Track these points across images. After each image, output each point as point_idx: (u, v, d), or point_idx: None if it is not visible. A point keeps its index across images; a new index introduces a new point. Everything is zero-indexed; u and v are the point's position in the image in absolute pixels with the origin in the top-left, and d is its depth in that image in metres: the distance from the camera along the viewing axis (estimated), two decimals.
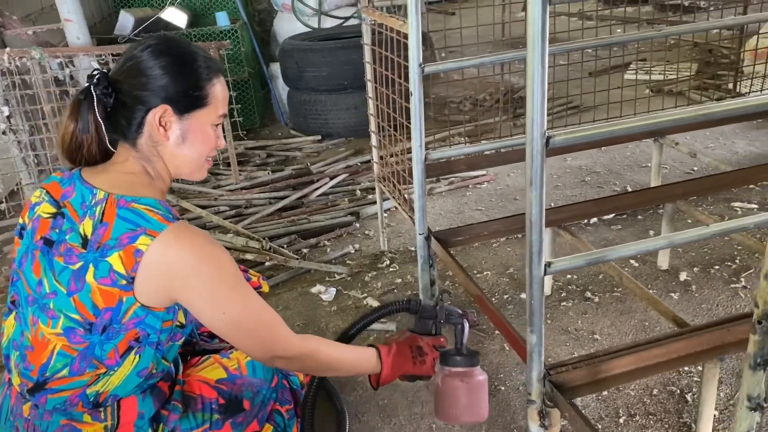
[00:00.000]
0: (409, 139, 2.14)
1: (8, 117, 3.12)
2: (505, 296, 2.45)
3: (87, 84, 1.26)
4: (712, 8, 5.58)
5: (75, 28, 3.29)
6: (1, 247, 3.07)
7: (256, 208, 3.26)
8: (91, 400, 1.26)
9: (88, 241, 1.19)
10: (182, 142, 1.29)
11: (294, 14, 4.77)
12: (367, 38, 2.48)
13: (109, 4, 5.02)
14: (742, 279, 2.40)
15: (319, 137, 4.26)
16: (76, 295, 1.19)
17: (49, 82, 3.11)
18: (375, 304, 2.44)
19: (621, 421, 1.82)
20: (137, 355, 1.25)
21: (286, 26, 4.89)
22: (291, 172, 3.63)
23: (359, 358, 1.43)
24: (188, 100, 1.28)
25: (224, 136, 1.37)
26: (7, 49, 3.01)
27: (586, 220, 2.87)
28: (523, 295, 2.45)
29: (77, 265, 1.19)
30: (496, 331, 2.17)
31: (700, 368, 1.90)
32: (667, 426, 1.79)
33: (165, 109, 1.25)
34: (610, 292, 2.40)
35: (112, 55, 3.13)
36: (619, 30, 4.99)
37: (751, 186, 3.03)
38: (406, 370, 1.46)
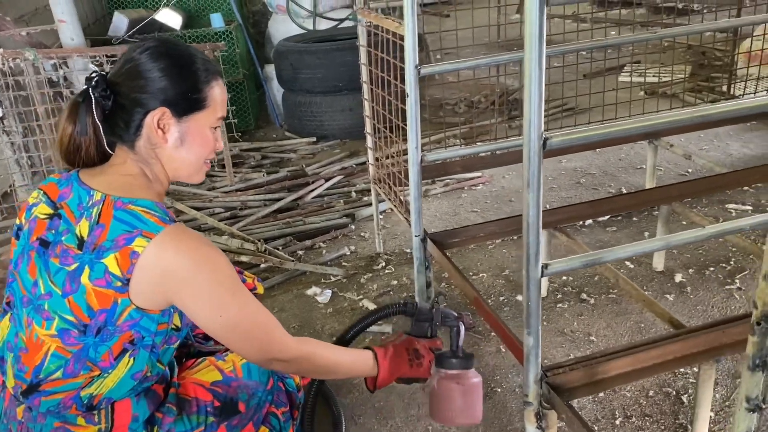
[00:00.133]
0: (404, 140, 2.14)
1: (1, 118, 3.10)
2: (501, 298, 2.45)
3: (85, 86, 1.26)
4: (705, 11, 5.60)
5: (69, 29, 3.27)
6: None
7: (251, 209, 3.25)
8: (85, 402, 1.25)
9: (84, 243, 1.19)
10: (180, 144, 1.28)
11: (289, 16, 4.76)
12: (362, 40, 2.47)
13: (103, 5, 5.00)
14: (737, 280, 2.41)
15: (314, 139, 4.25)
16: (71, 296, 1.18)
17: (42, 83, 3.09)
18: (371, 306, 2.43)
19: (617, 422, 1.82)
20: (132, 358, 1.24)
21: (281, 28, 4.88)
22: (286, 174, 3.62)
23: (356, 360, 1.43)
24: (187, 103, 1.27)
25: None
26: (1, 51, 3.00)
27: (581, 222, 2.87)
28: (519, 297, 2.45)
29: (73, 267, 1.18)
30: (492, 333, 2.17)
31: (695, 369, 1.91)
32: (663, 427, 1.79)
33: (163, 111, 1.25)
34: (605, 294, 2.41)
35: (107, 56, 3.12)
36: (613, 32, 5.01)
37: (746, 188, 3.04)
38: (402, 372, 1.46)
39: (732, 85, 3.56)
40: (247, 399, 1.43)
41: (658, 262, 2.52)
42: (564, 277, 2.51)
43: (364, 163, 3.66)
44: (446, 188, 3.39)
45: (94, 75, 1.26)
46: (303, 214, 3.18)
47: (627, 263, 2.56)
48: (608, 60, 4.16)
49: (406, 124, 2.08)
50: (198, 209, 3.20)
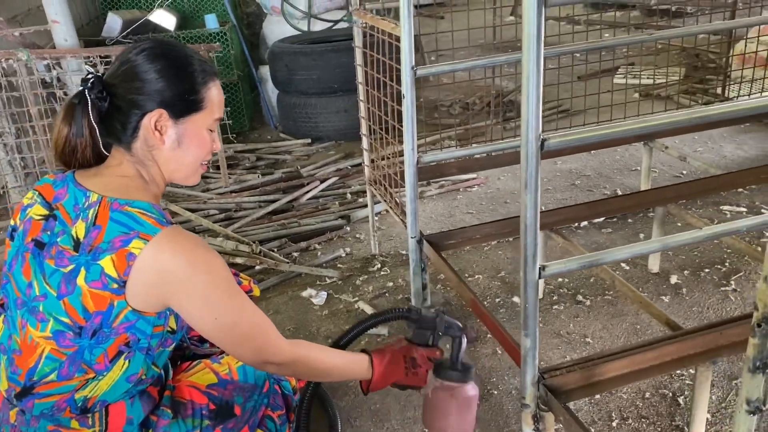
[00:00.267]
0: (400, 142, 2.13)
1: None
2: (497, 299, 2.45)
3: (81, 87, 1.25)
4: (699, 14, 5.63)
5: (62, 30, 3.25)
6: None
7: (245, 211, 3.24)
8: (79, 405, 1.24)
9: (80, 244, 1.18)
10: (178, 146, 1.28)
11: (283, 17, 4.76)
12: (358, 41, 2.47)
13: (96, 5, 4.98)
14: (732, 282, 2.41)
15: (309, 140, 4.24)
16: (67, 298, 1.17)
17: (36, 84, 3.07)
18: (366, 308, 2.43)
19: (614, 424, 1.82)
20: (127, 360, 1.23)
21: (276, 29, 4.87)
22: (281, 176, 3.61)
23: (351, 363, 1.41)
24: (184, 104, 1.26)
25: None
26: None
27: (576, 224, 2.87)
28: (515, 299, 2.44)
29: (68, 268, 1.17)
30: (489, 335, 2.16)
31: (691, 371, 1.91)
32: (659, 429, 1.79)
33: (161, 113, 1.24)
34: (601, 296, 2.41)
35: (101, 57, 3.10)
36: (607, 35, 5.02)
37: (740, 189, 3.05)
38: (397, 379, 1.44)
39: (726, 87, 3.57)
40: (243, 402, 1.42)
41: (654, 264, 2.52)
42: (560, 279, 2.51)
43: (359, 164, 3.65)
44: (441, 190, 3.38)
45: (89, 76, 1.25)
46: (298, 216, 3.16)
47: (622, 265, 2.56)
48: (602, 62, 4.18)
49: (401, 126, 2.08)
50: (192, 211, 3.19)
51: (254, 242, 2.82)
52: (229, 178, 3.58)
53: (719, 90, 4.12)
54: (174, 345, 1.33)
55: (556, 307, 2.36)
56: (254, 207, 3.28)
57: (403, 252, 2.81)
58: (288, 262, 2.73)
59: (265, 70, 4.70)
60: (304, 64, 4.10)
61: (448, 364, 1.45)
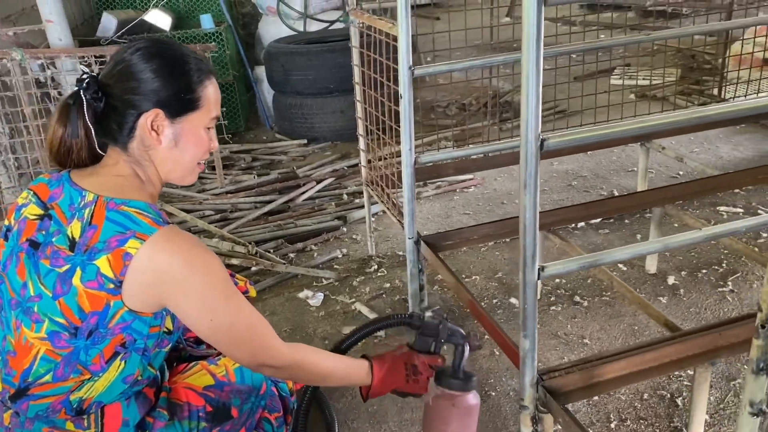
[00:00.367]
0: (397, 142, 2.12)
1: None
2: (494, 300, 2.44)
3: (76, 88, 1.23)
4: (693, 15, 5.64)
5: (56, 30, 3.23)
6: None
7: (241, 212, 3.23)
8: (74, 406, 1.22)
9: (75, 244, 1.16)
10: (175, 146, 1.26)
11: (279, 17, 4.74)
12: (355, 41, 2.46)
13: (91, 5, 4.95)
14: (729, 283, 2.41)
15: (305, 141, 4.23)
16: (62, 298, 1.16)
17: (30, 83, 3.05)
18: (364, 309, 2.41)
19: (612, 426, 1.81)
20: (123, 361, 1.21)
21: (271, 29, 4.86)
22: (277, 176, 3.59)
23: (350, 369, 1.39)
24: (180, 104, 1.25)
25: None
26: None
27: (573, 225, 2.87)
28: (512, 300, 2.44)
29: (64, 268, 1.16)
30: (486, 336, 2.16)
31: (690, 372, 1.91)
32: (658, 430, 1.79)
33: (157, 113, 1.23)
34: (598, 296, 2.40)
35: (95, 57, 3.08)
36: (603, 36, 5.02)
37: (737, 190, 3.06)
38: (397, 386, 1.42)
39: (723, 89, 3.58)
40: (240, 404, 1.40)
41: (651, 265, 2.52)
42: (557, 280, 2.51)
43: (356, 165, 3.65)
44: (438, 190, 3.38)
45: (85, 76, 1.24)
46: (294, 217, 3.15)
47: (620, 266, 2.56)
48: (598, 63, 4.18)
49: (399, 126, 2.07)
50: (188, 212, 3.17)
51: (250, 243, 2.81)
52: (224, 179, 3.56)
53: (715, 91, 4.13)
54: (170, 346, 1.32)
55: (553, 308, 2.35)
56: (250, 208, 3.27)
57: (400, 253, 2.80)
58: (284, 263, 2.72)
59: (260, 71, 4.69)
60: (300, 65, 4.09)
61: (450, 372, 1.43)
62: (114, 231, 1.15)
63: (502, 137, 3.42)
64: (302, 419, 1.51)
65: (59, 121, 1.24)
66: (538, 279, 1.36)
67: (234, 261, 2.67)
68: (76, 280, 1.15)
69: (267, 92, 4.67)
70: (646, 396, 1.90)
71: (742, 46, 3.28)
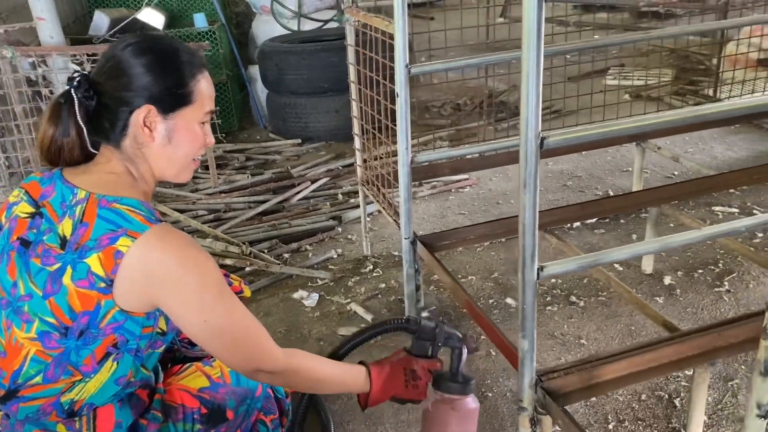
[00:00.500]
0: (393, 142, 2.11)
1: None
2: (491, 301, 2.43)
3: (67, 86, 1.21)
4: (687, 16, 5.65)
5: (48, 27, 3.19)
6: None
7: (235, 212, 3.20)
8: (65, 408, 1.20)
9: (66, 242, 1.14)
10: (168, 142, 1.24)
11: (273, 16, 4.72)
12: (350, 39, 2.44)
13: (83, 3, 4.91)
14: (726, 283, 2.41)
15: (299, 141, 4.21)
16: (52, 297, 1.13)
17: (20, 82, 3.02)
18: (359, 309, 2.39)
19: (610, 427, 1.80)
20: (115, 362, 1.19)
21: (265, 28, 4.83)
22: (271, 176, 3.57)
23: (347, 376, 1.37)
24: (173, 99, 1.23)
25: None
26: None
27: (568, 225, 2.86)
28: (509, 300, 2.42)
29: (54, 267, 1.14)
30: (483, 336, 2.14)
31: (687, 373, 1.90)
32: (656, 431, 1.78)
33: (149, 109, 1.20)
34: (595, 297, 2.39)
35: (87, 55, 3.05)
36: (596, 36, 5.02)
37: (732, 190, 3.06)
38: (397, 393, 1.39)
39: (718, 89, 3.58)
40: (236, 406, 1.38)
41: (647, 265, 2.51)
42: (553, 280, 2.50)
43: (351, 165, 3.63)
44: (433, 191, 3.36)
45: (76, 75, 1.22)
46: (288, 217, 3.13)
47: (616, 266, 2.55)
48: (593, 62, 4.18)
49: (395, 125, 2.05)
50: (181, 211, 3.14)
51: (244, 243, 2.78)
52: (218, 179, 3.53)
53: (709, 92, 4.13)
54: (164, 347, 1.30)
55: (549, 308, 2.34)
56: (244, 208, 3.24)
57: (396, 253, 2.78)
58: (279, 264, 2.70)
59: (254, 70, 4.66)
60: (294, 64, 4.07)
61: (448, 376, 1.40)
62: (105, 229, 1.13)
63: (498, 137, 3.41)
64: (299, 422, 1.49)
65: (50, 121, 1.22)
66: (538, 279, 1.34)
67: (228, 261, 2.64)
68: (66, 279, 1.13)
69: (261, 91, 4.65)
70: (644, 397, 1.89)
71: (738, 47, 3.29)
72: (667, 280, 2.45)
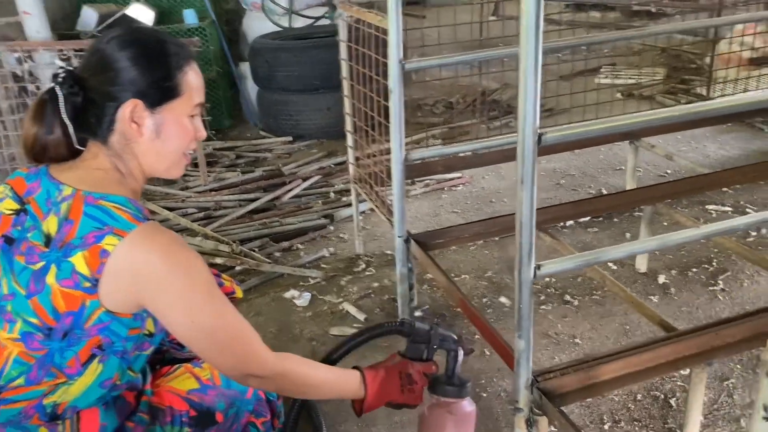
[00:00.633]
0: (386, 139, 2.08)
1: None
2: (484, 300, 2.41)
3: (52, 83, 1.17)
4: (678, 15, 5.67)
5: (34, 22, 3.14)
6: None
7: (225, 210, 3.16)
8: (48, 411, 1.16)
9: (51, 240, 1.10)
10: (157, 137, 1.20)
11: (264, 13, 4.68)
12: (343, 35, 2.41)
13: None
14: (720, 281, 2.40)
15: (291, 138, 4.16)
16: (36, 297, 1.10)
17: (6, 77, 2.96)
18: (351, 309, 2.36)
19: (606, 427, 1.78)
20: (101, 364, 1.15)
21: (256, 25, 4.79)
22: (262, 174, 3.53)
23: (341, 381, 1.33)
24: (160, 92, 1.19)
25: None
26: None
27: (561, 223, 2.84)
28: (503, 299, 2.40)
29: (38, 265, 1.10)
30: (477, 336, 2.12)
31: (683, 372, 1.88)
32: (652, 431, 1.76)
33: (135, 103, 1.17)
34: (589, 296, 2.37)
35: (74, 50, 3.00)
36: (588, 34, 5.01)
37: (725, 189, 3.05)
38: (392, 398, 1.35)
39: (711, 87, 3.57)
40: (225, 408, 1.35)
41: (642, 264, 2.50)
42: (547, 279, 2.48)
43: (343, 163, 3.59)
44: (426, 189, 3.34)
45: (60, 71, 1.18)
46: (280, 215, 3.09)
47: (610, 264, 2.53)
48: (584, 60, 4.18)
49: (387, 122, 2.02)
50: (170, 209, 3.10)
51: (234, 242, 2.74)
52: (208, 176, 3.49)
53: (702, 90, 4.13)
54: (152, 349, 1.26)
55: (543, 307, 2.32)
56: (234, 206, 3.20)
57: (389, 252, 2.75)
58: (270, 263, 2.66)
59: (244, 67, 4.62)
60: (285, 61, 4.03)
61: (444, 379, 1.36)
62: (91, 227, 1.09)
63: (491, 135, 3.40)
64: (291, 425, 1.45)
65: (33, 119, 1.18)
66: (534, 278, 1.32)
67: (218, 260, 2.61)
68: (50, 278, 1.09)
69: (251, 89, 4.60)
70: (639, 397, 1.87)
71: (731, 45, 3.28)
72: (662, 278, 2.44)
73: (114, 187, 1.17)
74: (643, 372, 1.48)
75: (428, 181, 3.40)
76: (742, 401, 1.83)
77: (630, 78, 4.60)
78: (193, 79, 1.22)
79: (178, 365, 1.40)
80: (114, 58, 1.16)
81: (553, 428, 1.68)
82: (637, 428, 1.77)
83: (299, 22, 4.71)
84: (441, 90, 4.59)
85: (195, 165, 3.51)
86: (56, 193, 1.14)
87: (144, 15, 4.43)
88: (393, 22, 1.86)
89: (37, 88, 3.02)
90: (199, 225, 2.93)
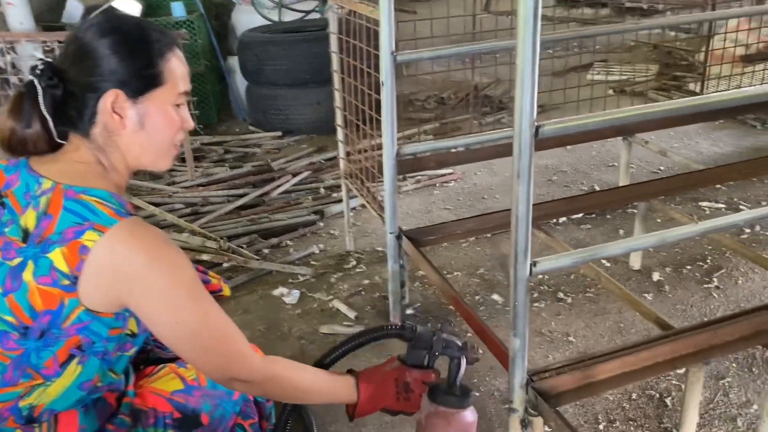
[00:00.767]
0: (378, 134, 2.03)
1: None
2: (477, 297, 2.37)
3: (30, 76, 1.12)
4: (668, 12, 5.66)
5: (17, 13, 3.08)
6: None
7: (213, 206, 3.10)
8: (24, 414, 1.11)
9: (29, 235, 1.06)
10: (140, 128, 1.15)
11: (253, 7, 4.61)
12: (333, 26, 2.36)
13: None
14: (715, 279, 2.37)
15: (280, 133, 4.11)
16: (12, 294, 1.05)
17: None
18: (342, 306, 2.32)
19: (601, 427, 1.75)
20: (80, 365, 1.10)
21: (245, 19, 4.72)
22: (250, 169, 3.48)
23: (334, 386, 1.28)
24: (141, 81, 1.14)
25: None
26: None
27: (554, 220, 2.81)
28: (495, 296, 2.37)
29: (15, 261, 1.05)
30: (469, 333, 2.08)
31: (678, 371, 1.85)
32: (648, 431, 1.73)
33: (117, 94, 1.11)
34: (583, 293, 2.35)
35: (58, 42, 2.93)
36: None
37: (718, 186, 3.03)
38: (387, 404, 1.31)
39: (705, 83, 3.55)
40: (211, 410, 1.30)
41: (635, 261, 2.47)
42: (540, 276, 2.44)
43: (333, 158, 3.55)
44: (418, 185, 3.30)
45: (38, 63, 1.13)
46: (268, 211, 3.04)
47: (603, 261, 2.50)
48: (577, 57, 4.16)
49: (379, 116, 1.98)
50: (156, 205, 3.04)
51: (222, 238, 2.69)
52: (195, 171, 3.43)
53: (696, 87, 4.12)
54: (135, 350, 1.21)
55: (537, 304, 2.29)
56: (222, 201, 3.14)
57: (380, 248, 2.71)
58: (258, 259, 2.61)
59: (233, 61, 4.55)
60: (274, 54, 3.97)
61: (445, 387, 1.29)
62: (71, 221, 1.04)
63: (483, 131, 3.36)
64: (282, 427, 1.40)
65: (11, 113, 1.13)
66: (531, 275, 1.28)
67: (205, 257, 2.55)
68: (27, 275, 1.04)
69: (240, 83, 4.54)
70: (634, 396, 1.84)
71: (725, 41, 3.26)
72: (656, 276, 2.41)
73: (96, 180, 1.12)
74: (641, 371, 1.45)
75: (420, 177, 3.35)
76: (738, 400, 1.81)
77: (622, 74, 4.58)
78: (176, 66, 1.17)
79: (162, 365, 1.35)
80: (93, 47, 1.11)
81: (547, 428, 1.64)
82: (632, 428, 1.74)
83: (289, 16, 4.65)
84: (432, 85, 4.55)
85: (182, 160, 3.45)
86: (36, 186, 1.10)
87: (131, 7, 4.35)
88: (385, 12, 1.82)
89: (20, 80, 2.96)
90: (186, 221, 2.87)
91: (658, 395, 1.84)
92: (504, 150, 2.46)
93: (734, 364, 1.94)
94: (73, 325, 1.06)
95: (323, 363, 1.34)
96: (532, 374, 1.40)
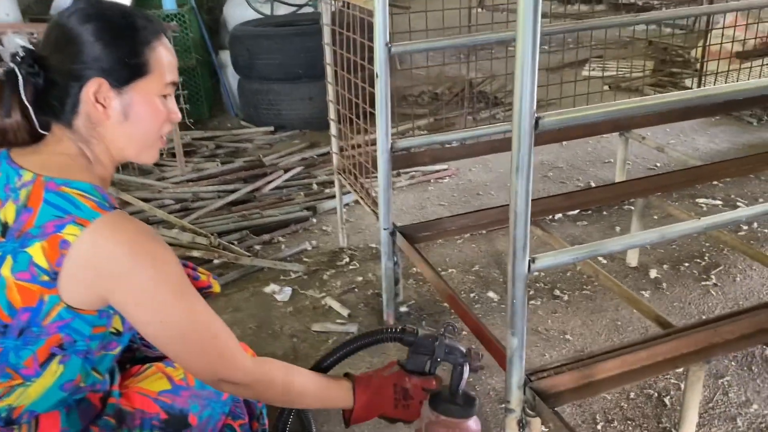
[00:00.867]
0: (372, 129, 1.99)
1: None
2: (472, 294, 2.33)
3: (11, 64, 1.07)
4: (663, 7, 5.63)
5: (4, 4, 3.01)
6: None
7: (203, 201, 3.05)
8: (2, 415, 1.07)
9: (8, 229, 1.01)
10: (125, 119, 1.10)
11: (245, 0, 4.56)
12: (326, 18, 2.31)
13: None
14: (713, 276, 2.34)
15: (272, 129, 4.05)
16: None
17: None
18: (334, 304, 2.28)
19: (599, 427, 1.72)
20: (61, 365, 1.06)
21: (237, 13, 4.66)
22: (242, 164, 3.43)
23: (329, 390, 1.23)
24: (126, 70, 1.09)
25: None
26: None
27: (550, 216, 2.78)
28: (490, 294, 2.33)
29: None
30: (464, 332, 2.04)
31: (677, 370, 1.82)
32: (646, 431, 1.70)
33: (100, 83, 1.07)
34: (579, 290, 2.31)
35: None
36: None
37: (715, 182, 3.01)
38: (384, 411, 1.26)
39: (703, 79, 3.53)
40: (199, 410, 1.26)
41: (632, 258, 2.44)
42: (536, 273, 2.40)
43: (326, 154, 3.50)
44: (412, 181, 3.25)
45: (19, 50, 1.08)
46: (260, 207, 2.99)
47: (600, 258, 2.47)
48: (573, 53, 4.13)
49: (373, 110, 1.94)
50: (146, 200, 2.98)
51: (212, 234, 2.64)
52: (186, 166, 3.38)
53: (689, 83, 4.09)
54: (120, 348, 1.16)
55: (533, 302, 2.26)
56: (213, 197, 3.09)
57: (373, 245, 2.67)
58: (249, 256, 2.57)
59: (225, 56, 4.50)
60: (266, 48, 3.91)
61: (447, 395, 1.24)
62: (51, 215, 1.00)
63: (477, 127, 3.32)
64: (281, 429, 1.36)
65: None
66: (529, 272, 1.25)
67: (195, 253, 2.50)
68: (5, 271, 1.00)
69: (232, 78, 4.49)
70: (632, 395, 1.81)
71: (722, 37, 3.24)
72: (653, 273, 2.38)
73: (79, 173, 1.07)
74: (641, 370, 1.42)
75: (414, 173, 3.31)
76: (738, 399, 1.78)
77: (618, 70, 4.56)
78: (163, 55, 1.12)
79: (148, 364, 1.30)
80: (75, 33, 1.07)
81: (545, 429, 1.61)
82: (630, 428, 1.71)
83: (281, 10, 4.59)
84: (427, 81, 4.51)
85: (172, 155, 3.40)
86: (16, 178, 1.05)
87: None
88: (379, 2, 1.77)
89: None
90: (175, 217, 2.82)
91: (656, 394, 1.81)
92: (499, 145, 2.42)
93: (733, 363, 1.91)
94: (54, 322, 1.02)
95: (321, 366, 1.30)
96: (529, 374, 1.37)
